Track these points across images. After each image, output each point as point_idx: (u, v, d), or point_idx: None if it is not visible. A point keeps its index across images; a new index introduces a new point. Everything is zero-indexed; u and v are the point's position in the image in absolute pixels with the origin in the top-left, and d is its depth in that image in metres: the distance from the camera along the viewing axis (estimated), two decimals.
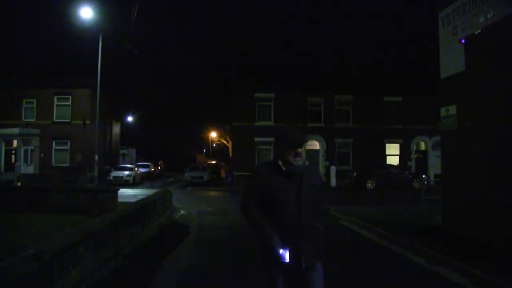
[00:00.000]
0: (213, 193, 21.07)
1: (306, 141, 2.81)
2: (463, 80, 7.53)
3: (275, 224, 2.58)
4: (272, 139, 26.49)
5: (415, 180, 21.96)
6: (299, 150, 2.66)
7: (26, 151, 27.50)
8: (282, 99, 26.44)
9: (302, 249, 2.57)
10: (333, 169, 24.78)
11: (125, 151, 41.13)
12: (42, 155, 27.22)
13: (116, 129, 34.92)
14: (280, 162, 2.66)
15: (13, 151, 27.96)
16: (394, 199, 15.31)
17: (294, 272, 2.59)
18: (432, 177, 24.40)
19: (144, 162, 35.24)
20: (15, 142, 27.72)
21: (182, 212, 12.07)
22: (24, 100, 27.68)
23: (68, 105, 27.90)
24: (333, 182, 24.35)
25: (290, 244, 2.54)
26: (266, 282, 2.67)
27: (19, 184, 20.70)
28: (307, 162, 2.74)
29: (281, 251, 2.52)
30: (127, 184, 24.26)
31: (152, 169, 33.63)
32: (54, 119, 27.79)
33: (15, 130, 26.62)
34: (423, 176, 21.06)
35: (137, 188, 22.73)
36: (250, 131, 26.27)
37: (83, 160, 26.69)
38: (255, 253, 6.93)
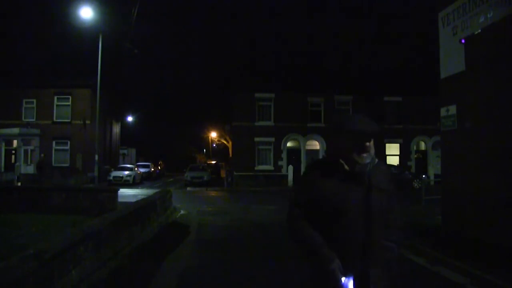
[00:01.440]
0: (213, 193, 21.07)
1: (378, 132, 2.05)
2: (463, 80, 7.54)
3: (334, 243, 1.95)
4: (272, 139, 26.53)
5: (415, 180, 21.95)
6: (367, 144, 2.03)
7: (26, 151, 27.50)
8: (282, 99, 26.44)
9: (372, 277, 1.95)
10: None
11: (125, 151, 41.16)
12: (42, 155, 27.22)
13: (116, 129, 34.92)
14: (341, 160, 2.03)
15: (13, 151, 27.96)
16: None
17: None
18: (432, 177, 24.38)
19: (144, 162, 35.27)
20: (15, 142, 27.72)
21: (182, 212, 12.08)
22: (24, 100, 27.66)
23: (68, 105, 27.89)
24: None
25: (354, 270, 1.94)
26: None
27: (19, 184, 20.71)
28: (376, 160, 2.10)
29: (343, 279, 1.90)
30: (127, 184, 24.27)
31: (152, 169, 33.66)
32: (54, 119, 27.79)
33: (15, 130, 26.61)
34: (423, 176, 21.04)
35: (137, 188, 22.74)
36: (250, 131, 26.26)
37: (84, 160, 26.69)
38: (255, 253, 6.95)
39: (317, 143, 27.12)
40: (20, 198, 11.50)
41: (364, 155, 2.02)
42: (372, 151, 2.06)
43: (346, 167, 2.02)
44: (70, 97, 27.89)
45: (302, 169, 26.50)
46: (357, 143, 2.01)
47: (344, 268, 1.91)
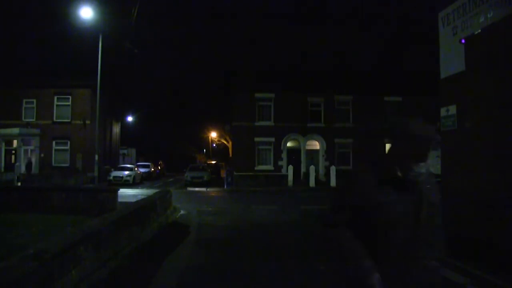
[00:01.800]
0: (213, 193, 21.08)
1: (437, 140, 2.10)
2: (463, 80, 7.54)
3: (376, 256, 1.80)
4: (272, 139, 26.51)
5: None
6: (428, 152, 1.88)
7: (26, 151, 27.51)
8: (282, 99, 26.45)
9: None
10: (333, 169, 24.80)
11: (125, 151, 41.17)
12: (42, 155, 27.22)
13: (116, 129, 34.92)
14: (396, 167, 1.88)
15: (13, 151, 27.97)
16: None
17: None
18: None
19: (144, 162, 35.27)
20: (15, 142, 27.72)
21: (182, 212, 12.07)
22: (24, 100, 27.68)
23: (68, 105, 27.91)
24: (333, 182, 24.36)
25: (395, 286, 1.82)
26: None
27: (19, 184, 20.71)
28: (429, 171, 1.98)
29: None
30: (127, 184, 24.26)
31: (152, 169, 33.65)
32: (54, 119, 27.80)
33: (15, 130, 26.62)
34: None
35: (137, 188, 22.73)
36: (250, 131, 26.26)
37: (84, 161, 26.70)
38: (255, 253, 6.95)
39: (317, 143, 27.12)
40: (20, 198, 11.50)
41: (422, 163, 1.87)
42: (429, 160, 1.90)
43: (400, 174, 1.87)
44: (70, 97, 27.90)
45: (302, 169, 26.52)
46: (419, 150, 1.85)
47: (385, 284, 1.74)
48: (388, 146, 1.95)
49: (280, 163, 26.56)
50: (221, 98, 37.34)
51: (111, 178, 24.96)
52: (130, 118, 43.62)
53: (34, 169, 26.69)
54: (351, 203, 1.89)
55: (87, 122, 26.84)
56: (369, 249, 1.81)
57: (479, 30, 7.03)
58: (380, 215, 1.82)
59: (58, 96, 27.87)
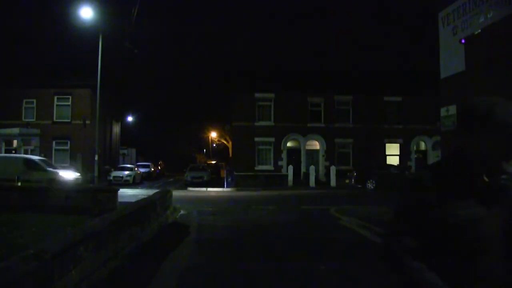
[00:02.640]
0: (213, 193, 21.08)
1: None
2: (463, 80, 7.55)
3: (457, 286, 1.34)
4: (272, 139, 26.52)
5: None
6: None
7: (26, 151, 27.50)
8: (282, 99, 26.46)
9: None
10: (333, 169, 24.80)
11: (125, 151, 41.18)
12: (42, 155, 27.21)
13: (116, 129, 34.92)
14: (482, 169, 1.38)
15: (13, 151, 27.96)
16: (394, 199, 15.29)
17: None
18: None
19: (144, 162, 35.28)
20: (15, 142, 27.72)
21: (182, 212, 12.07)
22: (24, 100, 27.69)
23: (68, 105, 27.91)
24: (333, 182, 24.37)
25: None
26: None
27: (19, 184, 20.70)
28: None
29: None
30: (127, 184, 24.28)
31: (152, 169, 33.68)
32: (54, 119, 27.80)
33: (15, 130, 26.61)
34: None
35: (137, 188, 22.74)
36: (250, 131, 26.28)
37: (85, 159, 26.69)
38: (255, 253, 6.95)
39: (317, 143, 27.13)
40: (20, 198, 11.49)
41: None
42: None
43: (486, 178, 1.38)
44: (70, 97, 27.91)
45: (302, 169, 26.51)
46: None
47: None
48: (464, 141, 1.40)
49: (280, 163, 26.57)
50: (221, 98, 37.38)
51: (111, 178, 24.98)
52: (130, 118, 43.65)
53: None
54: (426, 219, 1.38)
55: (87, 122, 26.84)
56: (449, 281, 1.33)
57: (479, 30, 7.04)
58: (466, 236, 1.34)
59: (58, 96, 27.87)
